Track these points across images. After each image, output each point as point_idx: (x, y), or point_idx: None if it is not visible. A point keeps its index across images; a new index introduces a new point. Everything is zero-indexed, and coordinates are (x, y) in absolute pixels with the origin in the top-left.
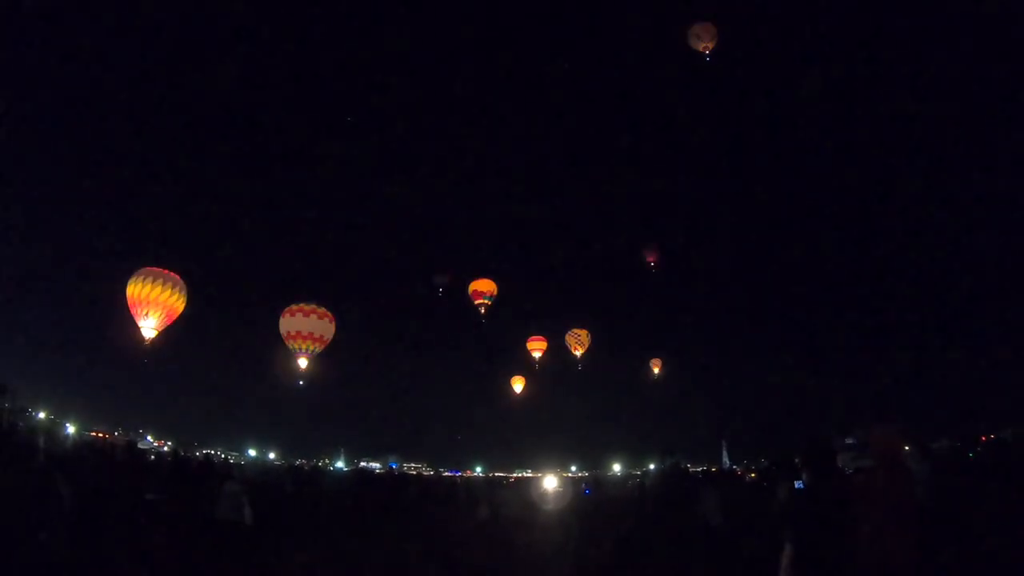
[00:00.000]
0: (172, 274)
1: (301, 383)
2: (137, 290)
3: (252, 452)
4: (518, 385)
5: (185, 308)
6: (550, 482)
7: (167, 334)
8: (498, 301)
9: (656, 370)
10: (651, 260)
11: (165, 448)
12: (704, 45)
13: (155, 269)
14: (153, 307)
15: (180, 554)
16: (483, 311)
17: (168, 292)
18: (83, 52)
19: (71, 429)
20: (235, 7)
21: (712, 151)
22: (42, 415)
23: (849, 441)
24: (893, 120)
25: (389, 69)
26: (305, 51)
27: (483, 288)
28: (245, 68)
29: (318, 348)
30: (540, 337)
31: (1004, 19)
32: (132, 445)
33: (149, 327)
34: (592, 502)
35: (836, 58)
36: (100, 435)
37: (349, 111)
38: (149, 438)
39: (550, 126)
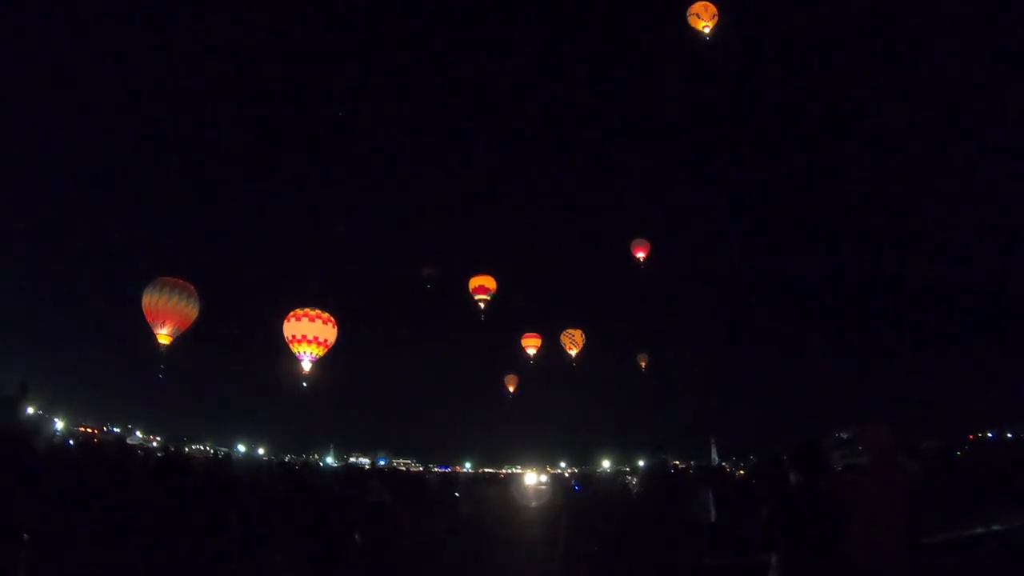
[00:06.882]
0: (187, 284)
1: (305, 385)
2: (153, 300)
3: (241, 448)
4: (511, 384)
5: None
6: (535, 478)
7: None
8: (496, 298)
9: (643, 365)
10: (638, 252)
11: (154, 443)
12: (704, 24)
13: (170, 279)
14: (168, 316)
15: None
16: (482, 306)
17: (184, 302)
18: (97, 63)
19: (59, 424)
20: (235, 15)
21: (707, 145)
22: (31, 410)
23: (843, 436)
24: (890, 115)
25: (388, 72)
26: (304, 55)
27: (484, 284)
28: (248, 77)
29: (321, 351)
30: (534, 334)
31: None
32: (122, 441)
33: (164, 335)
34: (581, 498)
35: (841, 46)
36: (89, 430)
37: (346, 112)
38: (138, 433)
39: (548, 126)
